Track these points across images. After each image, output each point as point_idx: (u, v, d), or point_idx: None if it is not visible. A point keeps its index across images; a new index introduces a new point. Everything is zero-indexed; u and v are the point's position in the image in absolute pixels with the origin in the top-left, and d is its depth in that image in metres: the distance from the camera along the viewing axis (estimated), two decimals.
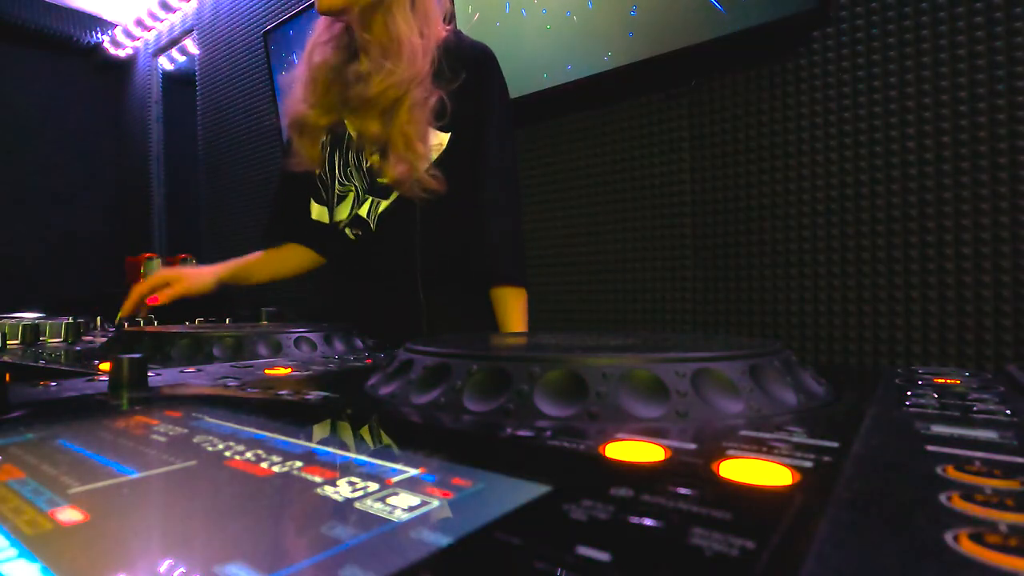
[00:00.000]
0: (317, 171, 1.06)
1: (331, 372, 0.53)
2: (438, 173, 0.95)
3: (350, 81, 0.97)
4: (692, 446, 0.25)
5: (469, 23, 1.74)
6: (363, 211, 1.02)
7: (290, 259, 1.18)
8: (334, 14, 0.97)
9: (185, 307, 1.16)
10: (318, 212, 1.08)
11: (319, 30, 1.05)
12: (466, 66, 0.96)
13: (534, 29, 1.63)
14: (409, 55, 0.92)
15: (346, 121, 1.01)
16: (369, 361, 0.62)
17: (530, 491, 0.19)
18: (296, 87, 1.03)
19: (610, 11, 1.48)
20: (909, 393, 0.38)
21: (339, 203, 1.04)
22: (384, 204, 1.00)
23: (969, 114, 1.11)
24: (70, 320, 1.11)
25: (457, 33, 1.03)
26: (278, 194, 1.19)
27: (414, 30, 0.94)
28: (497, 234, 0.98)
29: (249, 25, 2.89)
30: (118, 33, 3.87)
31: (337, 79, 1.00)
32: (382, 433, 0.30)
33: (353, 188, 1.02)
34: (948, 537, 0.15)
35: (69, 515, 0.18)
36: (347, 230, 1.04)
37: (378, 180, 0.99)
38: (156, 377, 0.48)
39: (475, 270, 1.00)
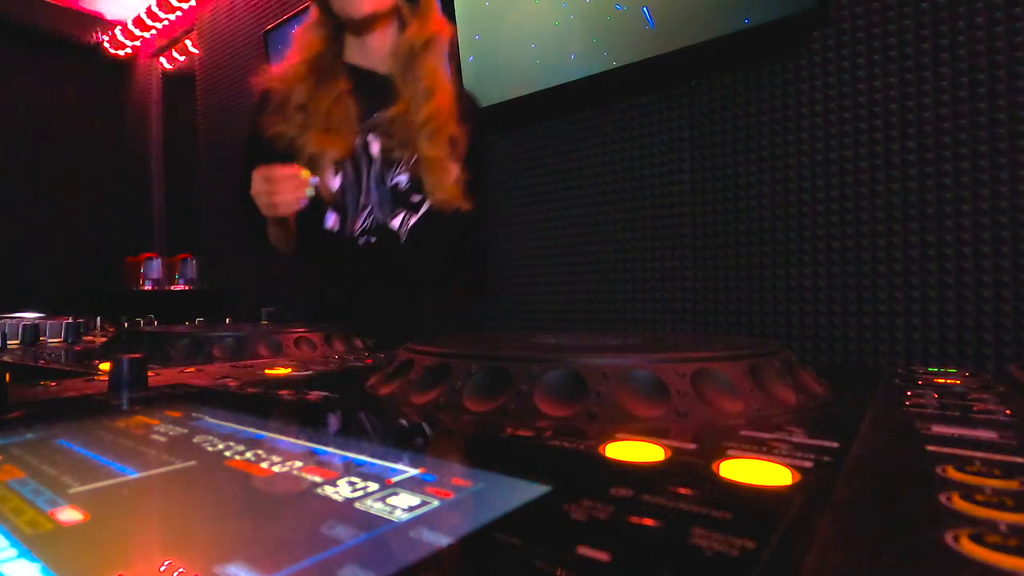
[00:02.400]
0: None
1: (331, 372, 0.53)
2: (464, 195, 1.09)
3: (386, 114, 1.07)
4: (692, 446, 0.25)
5: (478, 26, 1.74)
6: (394, 223, 1.11)
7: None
8: (371, 18, 1.05)
9: (185, 307, 1.17)
10: (332, 221, 1.13)
11: (300, 48, 1.10)
12: (467, 111, 1.12)
13: (537, 29, 1.63)
14: (443, 92, 1.06)
15: (369, 139, 1.09)
16: (369, 361, 0.62)
17: (530, 491, 0.19)
18: (301, 114, 1.07)
19: (610, 11, 1.48)
20: (909, 393, 0.38)
21: (357, 213, 1.12)
22: (413, 217, 1.12)
23: (969, 114, 1.11)
24: (70, 320, 1.11)
25: (455, 80, 1.16)
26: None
27: (445, 69, 1.09)
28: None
29: (249, 25, 2.89)
30: (118, 33, 3.87)
31: (349, 105, 1.07)
32: (382, 433, 0.30)
33: (371, 203, 1.11)
34: (948, 537, 0.15)
35: (69, 515, 0.18)
36: (362, 239, 1.12)
37: (411, 198, 1.10)
38: (156, 377, 0.48)
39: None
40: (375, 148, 1.09)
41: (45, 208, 3.76)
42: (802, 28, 1.25)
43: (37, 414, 0.33)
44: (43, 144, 3.78)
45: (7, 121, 3.63)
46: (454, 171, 1.06)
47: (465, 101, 1.14)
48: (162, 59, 3.82)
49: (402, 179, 1.09)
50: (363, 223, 1.11)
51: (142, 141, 3.91)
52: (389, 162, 1.09)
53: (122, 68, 4.04)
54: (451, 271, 1.18)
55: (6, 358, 0.78)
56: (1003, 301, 1.08)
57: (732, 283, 1.40)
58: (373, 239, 1.11)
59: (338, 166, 1.08)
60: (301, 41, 1.10)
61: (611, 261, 1.62)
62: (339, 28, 1.09)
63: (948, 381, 0.43)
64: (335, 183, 1.10)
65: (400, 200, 1.10)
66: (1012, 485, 0.20)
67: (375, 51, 1.10)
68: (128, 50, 3.95)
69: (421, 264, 1.13)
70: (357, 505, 0.18)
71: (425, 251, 1.12)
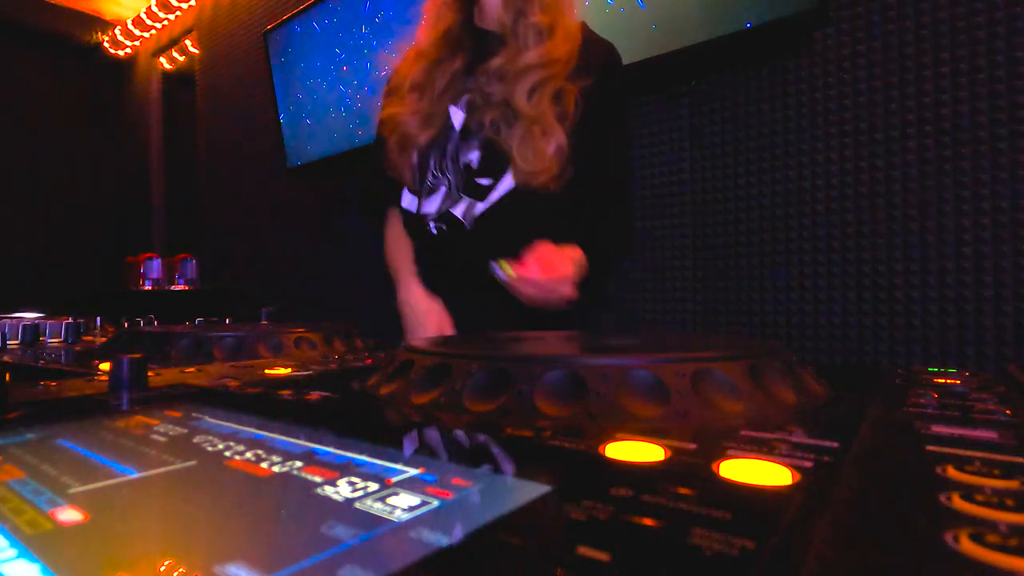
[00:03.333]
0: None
1: (331, 372, 0.53)
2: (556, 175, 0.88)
3: (488, 67, 0.91)
4: (692, 446, 0.25)
5: None
6: (457, 210, 0.95)
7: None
8: None
9: (185, 307, 1.16)
10: (408, 201, 1.01)
11: (431, 23, 0.97)
12: (596, 65, 0.90)
13: None
14: (563, 35, 0.88)
15: (451, 110, 0.95)
16: (369, 361, 0.62)
17: (530, 491, 0.19)
18: (413, 93, 0.96)
19: (610, 10, 1.48)
20: (909, 393, 0.38)
21: (427, 196, 0.98)
22: (480, 205, 0.94)
23: (969, 114, 1.11)
24: (70, 320, 1.11)
25: (584, 25, 0.97)
26: (375, 172, 1.06)
27: (572, 9, 0.92)
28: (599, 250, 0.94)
29: (249, 25, 2.89)
30: (118, 33, 3.88)
31: (454, 79, 0.95)
32: (382, 433, 0.30)
33: (447, 182, 0.96)
34: (948, 537, 0.15)
35: (69, 515, 0.18)
36: (432, 224, 0.98)
37: (478, 180, 0.93)
38: (156, 377, 0.48)
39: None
40: (457, 119, 0.94)
41: (45, 208, 3.76)
42: (802, 28, 1.25)
43: (37, 414, 0.33)
44: (43, 144, 3.78)
45: (7, 121, 3.63)
46: (557, 137, 0.86)
47: (595, 48, 0.92)
48: (162, 59, 3.82)
49: (473, 156, 0.91)
50: (435, 207, 0.97)
51: (142, 141, 3.92)
52: (468, 132, 0.92)
53: (122, 68, 4.04)
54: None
55: (6, 358, 0.78)
56: (1003, 301, 1.08)
57: (732, 283, 1.40)
58: (444, 226, 0.95)
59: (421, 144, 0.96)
60: (431, 15, 0.98)
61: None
62: None
63: (948, 381, 0.43)
64: (414, 159, 0.98)
65: (468, 182, 0.93)
66: (1012, 485, 0.20)
67: (490, 9, 0.93)
68: (128, 50, 3.96)
69: (482, 258, 0.91)
70: (357, 505, 0.18)
71: (483, 244, 0.93)
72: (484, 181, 0.92)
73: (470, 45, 0.95)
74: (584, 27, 0.94)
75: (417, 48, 0.99)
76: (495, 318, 0.94)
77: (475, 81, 0.92)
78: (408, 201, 1.00)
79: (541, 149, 0.85)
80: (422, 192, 0.98)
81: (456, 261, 0.96)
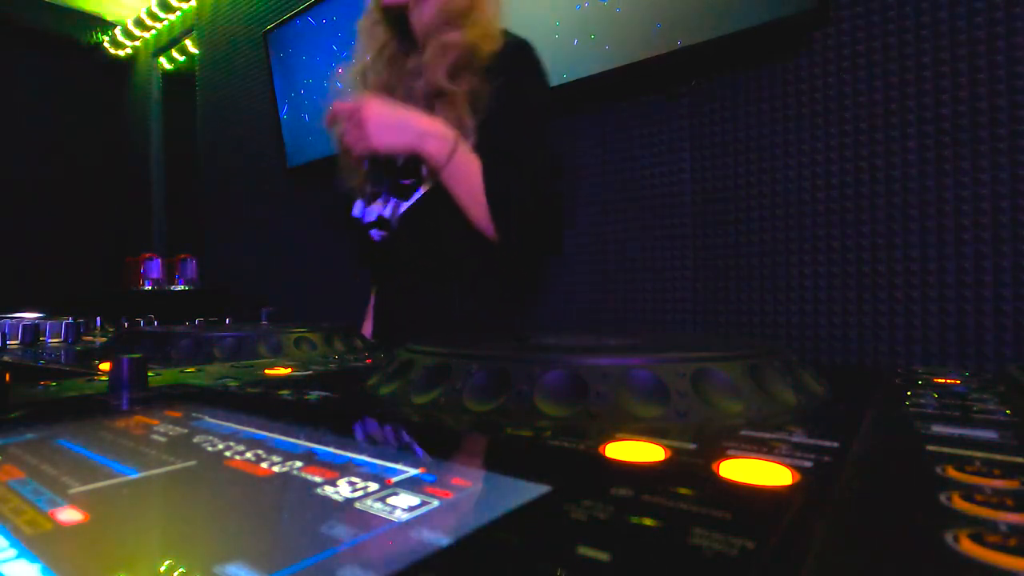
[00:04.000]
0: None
1: (331, 372, 0.53)
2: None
3: (410, 66, 0.96)
4: (692, 446, 0.25)
5: None
6: (387, 212, 1.00)
7: None
8: (400, 5, 0.97)
9: (185, 307, 1.16)
10: (357, 209, 1.06)
11: (364, 51, 1.04)
12: (509, 65, 0.94)
13: (537, 28, 1.62)
14: (485, 33, 0.93)
15: None
16: (369, 361, 0.62)
17: (530, 491, 0.19)
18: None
19: (611, 10, 1.48)
20: (909, 393, 0.38)
21: (371, 202, 1.04)
22: (404, 205, 0.98)
23: (969, 114, 1.11)
24: (70, 320, 1.11)
25: (503, 31, 1.02)
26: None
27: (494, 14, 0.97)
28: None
29: (249, 25, 2.89)
30: (118, 33, 3.88)
31: (387, 90, 0.99)
32: (382, 433, 0.30)
33: (382, 191, 1.02)
34: (948, 537, 0.15)
35: (69, 515, 0.18)
36: (373, 230, 1.03)
37: (400, 180, 0.97)
38: (156, 377, 0.48)
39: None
40: None
41: (45, 208, 3.76)
42: (802, 28, 1.25)
43: (37, 414, 0.33)
44: (43, 144, 3.78)
45: (7, 121, 3.63)
46: (467, 125, 0.90)
47: (510, 50, 0.96)
48: (162, 59, 3.82)
49: (400, 157, 0.95)
50: (376, 213, 1.02)
51: (142, 141, 3.92)
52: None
53: (122, 68, 4.04)
54: (461, 268, 0.97)
55: (6, 358, 0.78)
56: (1003, 301, 1.08)
57: (732, 283, 1.40)
58: (381, 231, 1.01)
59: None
60: (365, 35, 1.04)
61: (611, 261, 1.62)
62: (393, 15, 1.01)
63: (948, 381, 0.43)
64: (364, 167, 1.04)
65: (393, 184, 0.98)
66: (1012, 485, 0.20)
67: (419, 27, 0.98)
68: (128, 50, 3.96)
69: (410, 256, 0.98)
70: (357, 505, 0.18)
71: (409, 242, 0.97)
72: (407, 181, 0.96)
73: (404, 61, 1.00)
74: (503, 32, 0.99)
75: (365, 64, 1.05)
76: (438, 317, 0.98)
77: (404, 83, 0.97)
78: (358, 210, 1.05)
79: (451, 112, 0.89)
80: (368, 200, 1.03)
81: (393, 263, 1.01)
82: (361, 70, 1.05)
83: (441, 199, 0.92)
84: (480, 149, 0.91)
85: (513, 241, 0.92)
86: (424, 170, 0.94)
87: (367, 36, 1.04)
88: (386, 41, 1.02)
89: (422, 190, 0.95)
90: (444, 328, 0.97)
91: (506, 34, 0.99)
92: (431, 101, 0.92)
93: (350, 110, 0.83)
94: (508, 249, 0.93)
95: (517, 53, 0.98)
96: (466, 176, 0.88)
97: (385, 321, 1.08)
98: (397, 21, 1.01)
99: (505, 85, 0.91)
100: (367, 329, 1.10)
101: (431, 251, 0.96)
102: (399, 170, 0.97)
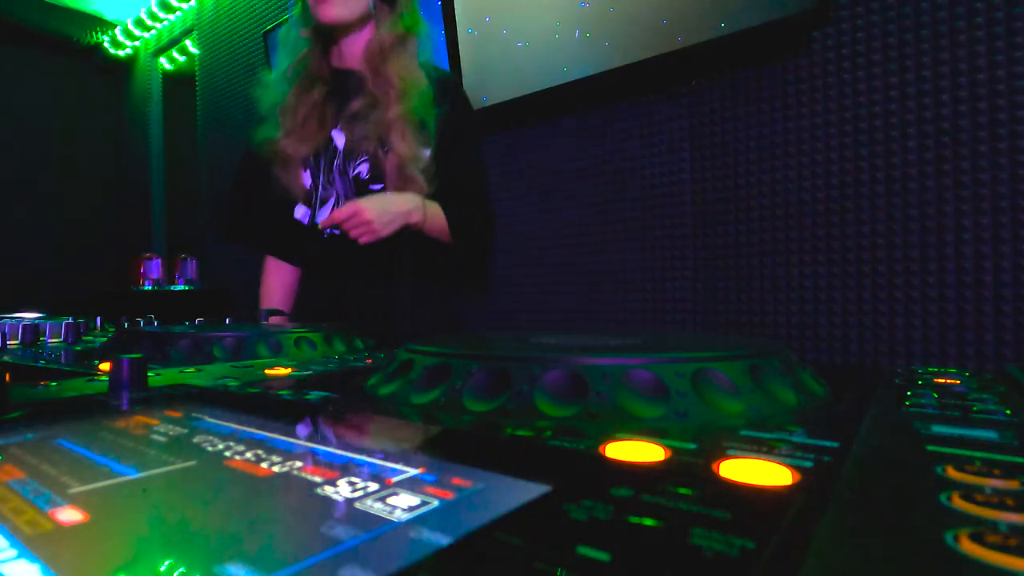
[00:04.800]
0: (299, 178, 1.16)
1: (331, 372, 0.53)
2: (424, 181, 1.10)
3: (352, 108, 1.09)
4: (692, 446, 0.25)
5: (480, 26, 1.74)
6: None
7: (288, 272, 1.29)
8: (339, 25, 1.07)
9: (185, 307, 1.18)
10: (301, 213, 1.17)
11: (289, 53, 1.14)
12: (442, 93, 1.10)
13: (537, 28, 1.63)
14: (419, 90, 1.07)
15: (333, 134, 1.12)
16: (369, 361, 0.62)
17: (530, 491, 0.19)
18: (282, 118, 1.12)
19: (611, 10, 1.48)
20: (909, 393, 0.38)
21: (320, 206, 1.14)
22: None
23: (969, 114, 1.11)
24: (70, 320, 1.11)
25: (427, 64, 1.16)
26: (242, 194, 1.29)
27: (415, 65, 1.10)
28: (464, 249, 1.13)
29: (249, 25, 2.89)
30: (118, 33, 3.88)
31: (324, 108, 1.12)
32: (382, 433, 0.30)
33: (335, 194, 1.13)
34: (948, 537, 0.15)
35: (69, 515, 0.18)
36: (327, 229, 1.13)
37: (370, 187, 1.11)
38: (156, 377, 0.48)
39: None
40: (340, 141, 1.12)
41: (45, 208, 3.76)
42: (802, 28, 1.25)
43: (37, 414, 0.33)
44: (43, 144, 3.78)
45: (7, 121, 3.63)
46: (422, 159, 1.08)
47: (439, 85, 1.12)
48: (162, 59, 3.82)
49: (363, 168, 1.11)
50: (327, 215, 1.11)
51: (142, 141, 3.92)
52: (352, 153, 1.11)
53: (122, 68, 4.04)
54: (422, 264, 1.14)
55: (6, 358, 0.78)
56: (1003, 301, 1.08)
57: (732, 283, 1.41)
58: (337, 231, 1.09)
59: (306, 161, 1.14)
60: (288, 46, 1.15)
61: (611, 261, 1.62)
62: (321, 33, 1.11)
63: (948, 381, 0.43)
64: (306, 177, 1.14)
65: (361, 190, 1.11)
66: (1012, 485, 0.20)
67: (349, 54, 1.12)
68: (128, 50, 3.96)
69: (376, 256, 1.11)
70: (357, 505, 0.18)
71: (377, 244, 1.09)
72: (376, 187, 1.11)
73: (329, 78, 1.13)
74: (427, 66, 1.13)
75: (278, 74, 1.15)
76: (386, 306, 1.14)
77: (343, 117, 1.10)
78: (301, 213, 1.17)
79: (414, 177, 1.07)
80: (315, 204, 1.14)
81: (350, 258, 1.13)
82: (277, 79, 1.15)
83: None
84: (438, 182, 1.09)
85: (476, 252, 1.16)
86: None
87: (291, 47, 1.15)
88: (307, 56, 1.13)
89: (380, 187, 1.12)
90: (388, 323, 1.12)
91: (430, 68, 1.14)
92: (385, 134, 1.07)
93: (349, 214, 1.00)
94: (466, 256, 1.14)
95: (450, 87, 1.15)
96: (437, 223, 1.09)
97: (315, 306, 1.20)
98: (325, 40, 1.12)
99: (447, 117, 1.09)
100: (272, 302, 1.28)
101: (392, 248, 1.09)
102: (367, 179, 1.12)
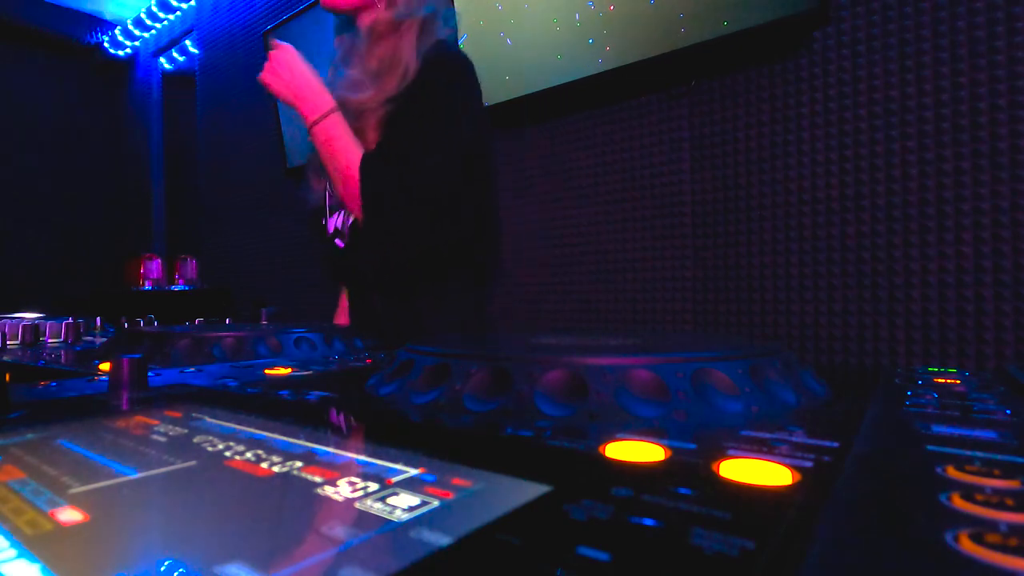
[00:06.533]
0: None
1: (331, 372, 0.53)
2: None
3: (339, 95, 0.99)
4: (692, 446, 0.25)
5: (477, 26, 1.74)
6: (340, 221, 1.06)
7: None
8: (341, 10, 1.03)
9: (185, 307, 1.17)
10: (330, 224, 1.10)
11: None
12: (428, 69, 0.98)
13: (536, 28, 1.63)
14: (401, 75, 0.97)
15: None
16: (369, 361, 0.62)
17: (530, 491, 0.19)
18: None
19: (612, 10, 1.48)
20: (909, 393, 0.38)
21: (331, 215, 1.08)
22: (353, 216, 1.02)
23: (969, 114, 1.11)
24: (70, 320, 1.11)
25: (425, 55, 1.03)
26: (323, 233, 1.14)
27: (414, 53, 0.98)
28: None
29: (249, 25, 2.89)
30: (118, 33, 3.88)
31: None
32: (382, 433, 0.30)
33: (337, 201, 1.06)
34: (948, 537, 0.15)
35: (69, 515, 0.18)
36: (336, 240, 1.08)
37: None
38: (156, 377, 0.48)
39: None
40: None
41: (45, 208, 3.76)
42: (802, 28, 1.25)
43: (37, 414, 0.33)
44: (43, 144, 3.78)
45: (7, 121, 3.63)
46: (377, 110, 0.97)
47: (440, 59, 0.99)
48: (162, 59, 3.82)
49: None
50: (337, 223, 1.06)
51: (142, 141, 3.92)
52: None
53: (122, 68, 4.04)
54: (414, 271, 1.00)
55: (6, 358, 0.78)
56: (1003, 301, 1.08)
57: (732, 283, 1.41)
58: (340, 240, 1.05)
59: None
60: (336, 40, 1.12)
61: (611, 261, 1.62)
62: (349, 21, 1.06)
63: (948, 381, 0.43)
64: (323, 185, 1.08)
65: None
66: (1012, 485, 0.20)
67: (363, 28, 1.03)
68: (128, 50, 3.96)
69: (362, 265, 1.01)
70: (357, 505, 0.18)
71: (356, 251, 1.01)
72: None
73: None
74: (438, 47, 1.00)
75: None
76: (394, 319, 1.03)
77: (337, 87, 1.00)
78: (330, 224, 1.09)
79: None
80: (330, 211, 1.07)
81: (352, 269, 1.05)
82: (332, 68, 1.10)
83: None
84: (380, 140, 0.96)
85: (380, 236, 0.94)
86: None
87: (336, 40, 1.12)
88: (341, 40, 1.09)
89: None
90: (406, 332, 1.00)
91: (447, 51, 1.02)
92: (362, 122, 0.97)
93: (277, 55, 0.93)
94: (372, 244, 0.96)
95: (448, 63, 1.00)
96: (331, 152, 0.93)
97: (364, 321, 1.10)
98: (346, 24, 1.08)
99: (418, 88, 0.96)
100: (341, 319, 1.18)
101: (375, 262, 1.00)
102: None
